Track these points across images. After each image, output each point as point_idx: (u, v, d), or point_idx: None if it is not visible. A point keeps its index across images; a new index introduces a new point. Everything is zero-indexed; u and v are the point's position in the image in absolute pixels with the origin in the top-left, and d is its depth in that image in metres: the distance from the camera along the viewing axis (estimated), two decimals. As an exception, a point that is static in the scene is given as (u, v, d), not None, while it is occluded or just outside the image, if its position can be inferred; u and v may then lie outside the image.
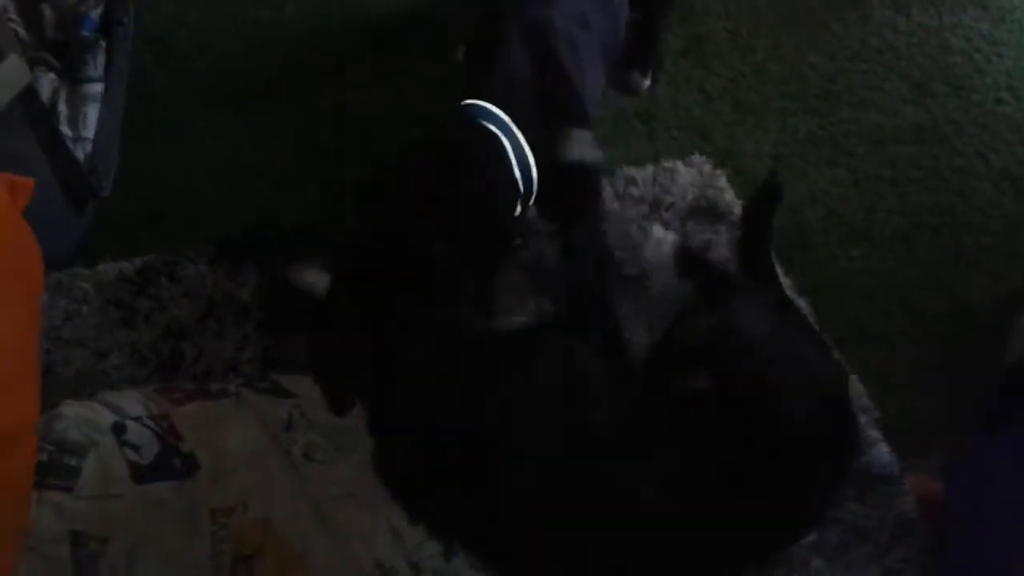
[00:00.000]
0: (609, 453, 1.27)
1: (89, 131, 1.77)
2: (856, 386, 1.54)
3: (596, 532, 1.25)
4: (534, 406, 1.32)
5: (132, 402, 1.38)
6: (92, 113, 1.79)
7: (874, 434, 1.48)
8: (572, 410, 1.32)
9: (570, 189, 1.59)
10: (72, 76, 1.82)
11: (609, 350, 1.51)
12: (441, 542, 1.32)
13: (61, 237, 1.64)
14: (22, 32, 1.71)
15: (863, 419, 1.50)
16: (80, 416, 1.31)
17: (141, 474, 1.29)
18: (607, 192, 1.82)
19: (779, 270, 1.71)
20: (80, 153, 1.72)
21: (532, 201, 1.53)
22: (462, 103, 1.50)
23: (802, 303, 1.65)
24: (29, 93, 1.39)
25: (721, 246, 1.75)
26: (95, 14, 1.90)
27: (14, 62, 1.32)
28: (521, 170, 1.47)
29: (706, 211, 1.80)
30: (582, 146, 1.58)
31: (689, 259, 1.70)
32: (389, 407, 1.35)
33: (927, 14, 2.18)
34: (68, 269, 1.65)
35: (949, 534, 1.39)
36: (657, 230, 1.73)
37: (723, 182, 1.85)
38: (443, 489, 1.30)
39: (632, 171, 1.86)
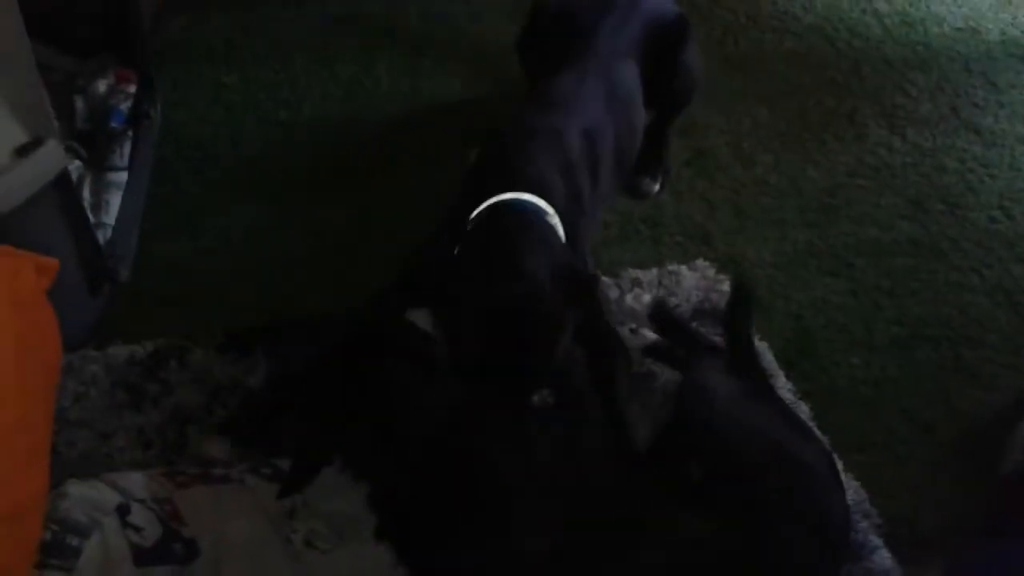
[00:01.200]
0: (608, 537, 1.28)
1: (111, 217, 1.82)
2: (858, 492, 1.55)
3: None
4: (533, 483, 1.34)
5: (136, 484, 1.38)
6: (115, 200, 1.85)
7: (875, 540, 1.48)
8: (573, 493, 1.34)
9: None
10: (98, 164, 1.89)
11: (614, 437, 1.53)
12: None
13: (75, 319, 1.66)
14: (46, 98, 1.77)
15: (864, 524, 1.50)
16: (85, 496, 1.31)
17: (142, 557, 1.29)
18: (614, 293, 1.86)
19: (781, 372, 1.75)
20: (100, 238, 1.76)
21: None
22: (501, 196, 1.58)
23: (803, 408, 1.67)
24: (63, 177, 1.44)
25: (725, 350, 1.78)
26: (124, 107, 1.98)
27: (52, 147, 1.38)
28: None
29: (710, 314, 1.84)
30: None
31: (664, 317, 1.75)
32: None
33: (921, 136, 2.27)
34: (79, 351, 1.67)
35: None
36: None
37: (726, 286, 1.89)
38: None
39: (637, 273, 1.91)
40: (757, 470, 1.31)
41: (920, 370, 1.78)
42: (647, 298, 1.85)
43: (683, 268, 1.93)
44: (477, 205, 1.61)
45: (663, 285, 1.89)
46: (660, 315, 1.73)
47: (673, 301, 1.86)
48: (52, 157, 1.39)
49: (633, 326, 1.77)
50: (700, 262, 1.95)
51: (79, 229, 1.57)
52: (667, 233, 2.03)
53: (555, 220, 1.60)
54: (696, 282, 1.90)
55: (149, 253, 1.87)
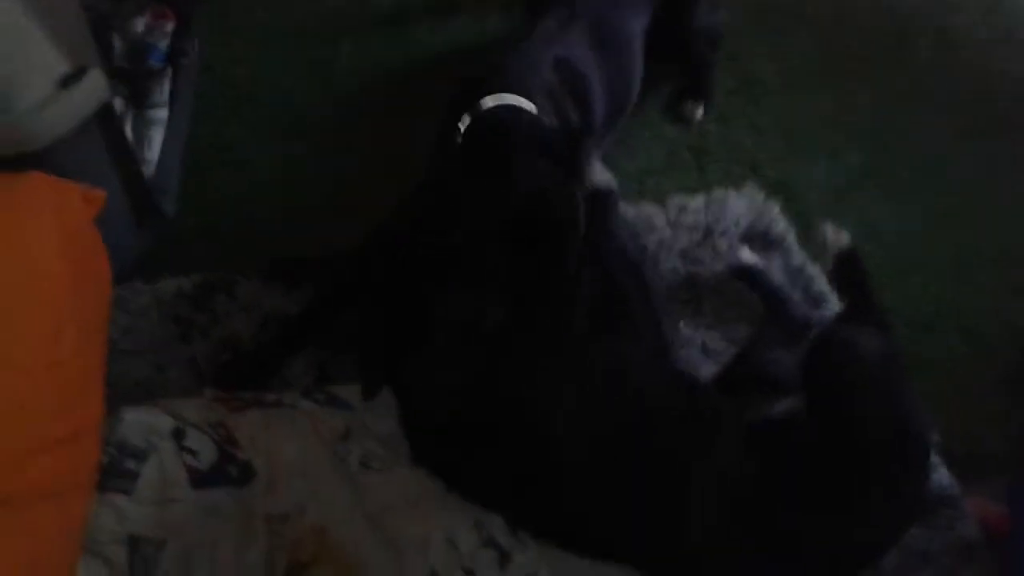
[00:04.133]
0: (662, 447, 1.26)
1: (153, 154, 1.81)
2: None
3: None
4: (578, 397, 1.32)
5: (191, 409, 1.38)
6: (157, 137, 1.84)
7: (934, 459, 1.45)
8: (619, 406, 1.32)
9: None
10: (138, 102, 1.88)
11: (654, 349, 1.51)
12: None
13: (122, 251, 1.65)
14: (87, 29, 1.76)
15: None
16: (141, 421, 1.32)
17: (199, 480, 1.29)
18: (660, 220, 1.83)
19: (834, 296, 1.71)
20: (144, 173, 1.76)
21: None
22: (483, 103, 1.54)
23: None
24: (106, 109, 1.43)
25: (775, 272, 1.75)
26: (162, 45, 1.97)
27: (96, 76, 1.37)
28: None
29: (759, 238, 1.80)
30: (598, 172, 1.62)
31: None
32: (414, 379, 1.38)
33: (975, 58, 2.19)
34: (128, 284, 1.67)
35: (1013, 557, 1.35)
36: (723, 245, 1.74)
37: (775, 211, 1.86)
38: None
39: (684, 199, 1.88)
40: (874, 440, 1.25)
41: (978, 291, 1.74)
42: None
43: (730, 193, 1.89)
44: (459, 118, 1.57)
45: (710, 210, 1.86)
46: (848, 268, 1.58)
47: (721, 226, 1.82)
48: (96, 87, 1.37)
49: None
50: (747, 187, 1.91)
51: (124, 161, 1.56)
52: (714, 160, 1.99)
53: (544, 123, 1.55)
54: (744, 207, 1.86)
55: (192, 189, 1.86)
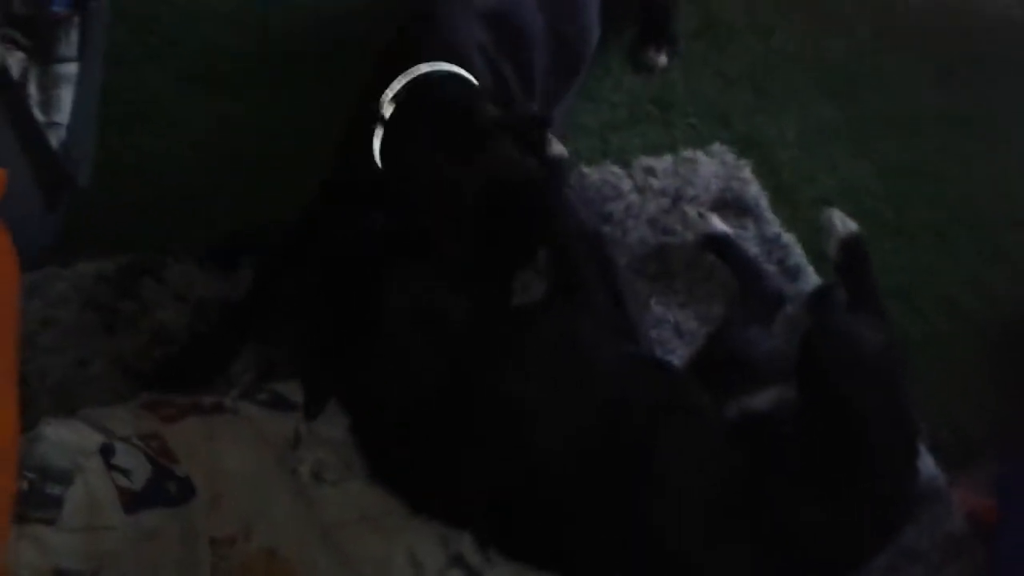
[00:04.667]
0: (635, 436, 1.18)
1: (63, 116, 1.61)
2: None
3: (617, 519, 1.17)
4: (537, 383, 1.22)
5: (120, 420, 1.25)
6: (66, 96, 1.63)
7: (921, 448, 1.39)
8: (581, 387, 1.22)
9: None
10: (43, 56, 1.66)
11: (616, 328, 1.40)
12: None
13: (33, 233, 1.49)
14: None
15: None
16: (63, 438, 1.18)
17: (132, 502, 1.17)
18: (626, 185, 1.71)
19: (809, 266, 1.63)
20: (53, 140, 1.56)
21: None
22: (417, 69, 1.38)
23: (835, 302, 1.56)
24: (2, 74, 1.24)
25: (748, 242, 1.65)
26: (67, -12, 1.74)
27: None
28: None
29: (731, 204, 1.70)
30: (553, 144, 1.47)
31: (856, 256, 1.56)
32: (365, 380, 1.26)
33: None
34: (42, 269, 1.50)
35: (1001, 549, 1.31)
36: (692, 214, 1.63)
37: (747, 173, 1.75)
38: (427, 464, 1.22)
39: (651, 161, 1.76)
40: (872, 437, 1.17)
41: (958, 258, 1.66)
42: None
43: (700, 154, 1.78)
44: (386, 85, 1.40)
45: (679, 174, 1.74)
46: (853, 255, 1.52)
47: (691, 192, 1.71)
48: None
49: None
50: (717, 146, 1.80)
51: (27, 132, 1.38)
52: (679, 114, 1.86)
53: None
54: (715, 169, 1.76)
55: (110, 154, 1.67)
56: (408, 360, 1.24)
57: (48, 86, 1.64)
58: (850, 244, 1.50)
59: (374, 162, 1.40)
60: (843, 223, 1.53)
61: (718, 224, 1.60)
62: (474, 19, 1.53)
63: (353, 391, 1.27)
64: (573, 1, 1.70)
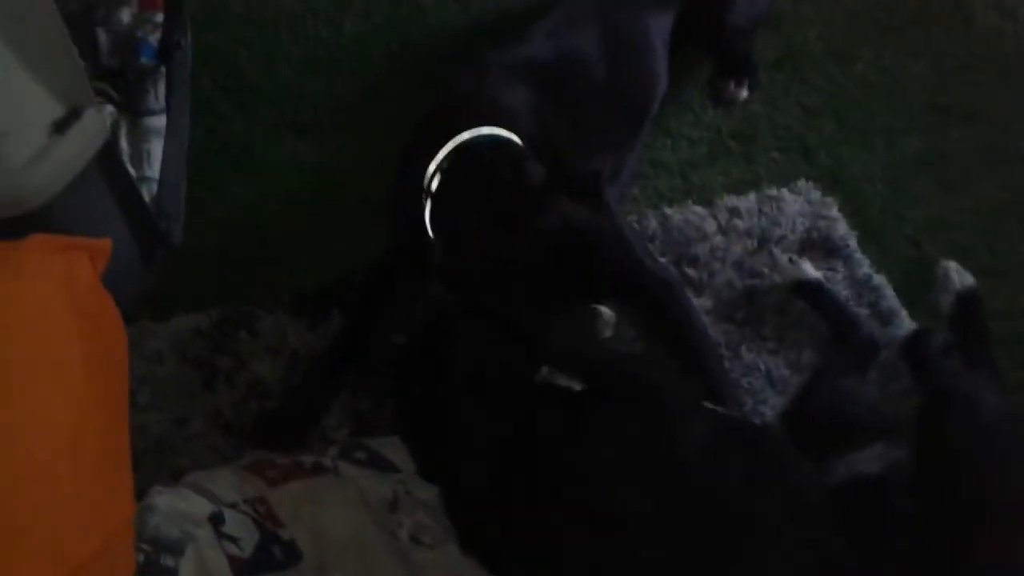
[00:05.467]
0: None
1: (154, 170, 1.64)
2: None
3: None
4: (622, 471, 1.16)
5: (226, 486, 1.26)
6: (156, 149, 1.66)
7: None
8: (668, 475, 1.15)
9: None
10: (133, 109, 1.69)
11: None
12: None
13: (129, 290, 1.52)
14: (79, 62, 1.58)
15: None
16: (174, 508, 1.20)
17: (242, 569, 1.18)
18: (711, 226, 1.69)
19: (903, 309, 1.59)
20: (145, 194, 1.59)
21: None
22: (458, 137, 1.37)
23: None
24: (107, 147, 1.27)
25: (838, 284, 1.62)
26: (153, 39, 1.77)
27: (92, 117, 1.20)
28: None
29: (819, 245, 1.67)
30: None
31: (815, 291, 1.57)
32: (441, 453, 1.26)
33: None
34: (137, 322, 1.53)
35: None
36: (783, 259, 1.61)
37: (835, 211, 1.72)
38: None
39: (734, 200, 1.73)
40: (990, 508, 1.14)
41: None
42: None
43: (784, 192, 1.75)
44: (429, 151, 1.39)
45: (763, 213, 1.72)
46: (969, 310, 1.49)
47: (777, 232, 1.69)
48: (93, 129, 1.21)
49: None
50: (802, 183, 1.77)
51: (128, 198, 1.40)
52: (761, 149, 1.84)
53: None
54: (800, 207, 1.73)
55: (198, 205, 1.70)
56: (474, 432, 1.23)
57: (138, 140, 1.67)
58: (967, 299, 1.47)
59: (426, 232, 1.39)
60: (960, 277, 1.50)
61: (810, 270, 1.58)
62: (524, 76, 1.52)
63: (431, 462, 1.28)
64: (635, 53, 1.68)
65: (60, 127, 1.16)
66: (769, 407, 1.49)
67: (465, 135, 1.37)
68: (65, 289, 1.11)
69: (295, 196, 1.74)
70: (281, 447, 1.40)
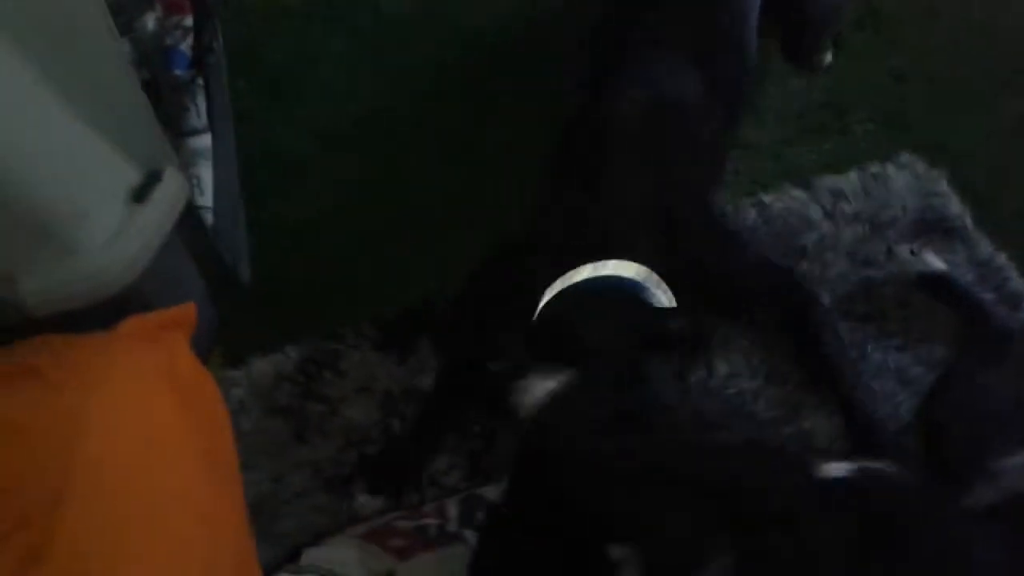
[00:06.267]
0: None
1: (206, 198, 1.47)
2: None
3: None
4: None
5: (353, 564, 1.15)
6: (205, 175, 1.49)
7: None
8: None
9: None
10: (174, 129, 1.52)
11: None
12: None
13: (201, 341, 1.37)
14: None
15: None
16: (306, 599, 1.09)
17: (388, 654, 1.08)
18: (815, 212, 1.56)
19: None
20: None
21: None
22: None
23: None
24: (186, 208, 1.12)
25: (959, 268, 1.51)
26: (184, 46, 1.58)
27: (173, 177, 1.04)
28: None
29: (935, 227, 1.55)
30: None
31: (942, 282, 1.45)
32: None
33: None
34: (215, 372, 1.39)
35: None
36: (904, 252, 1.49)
37: (944, 186, 1.59)
38: None
39: (836, 181, 1.60)
40: None
41: None
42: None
43: (888, 167, 1.62)
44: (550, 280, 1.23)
45: (869, 194, 1.59)
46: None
47: (888, 214, 1.56)
48: (175, 190, 1.05)
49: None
50: (905, 156, 1.63)
51: (202, 250, 1.25)
52: (855, 120, 1.69)
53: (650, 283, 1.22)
54: (907, 183, 1.60)
55: (255, 229, 1.54)
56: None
57: (184, 165, 1.50)
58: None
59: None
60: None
61: (935, 262, 1.46)
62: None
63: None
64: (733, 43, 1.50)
65: (140, 194, 1.01)
66: (904, 410, 1.38)
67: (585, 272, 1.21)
68: (170, 379, 0.98)
69: (357, 215, 1.58)
70: (387, 493, 1.30)
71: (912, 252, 1.47)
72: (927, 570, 1.01)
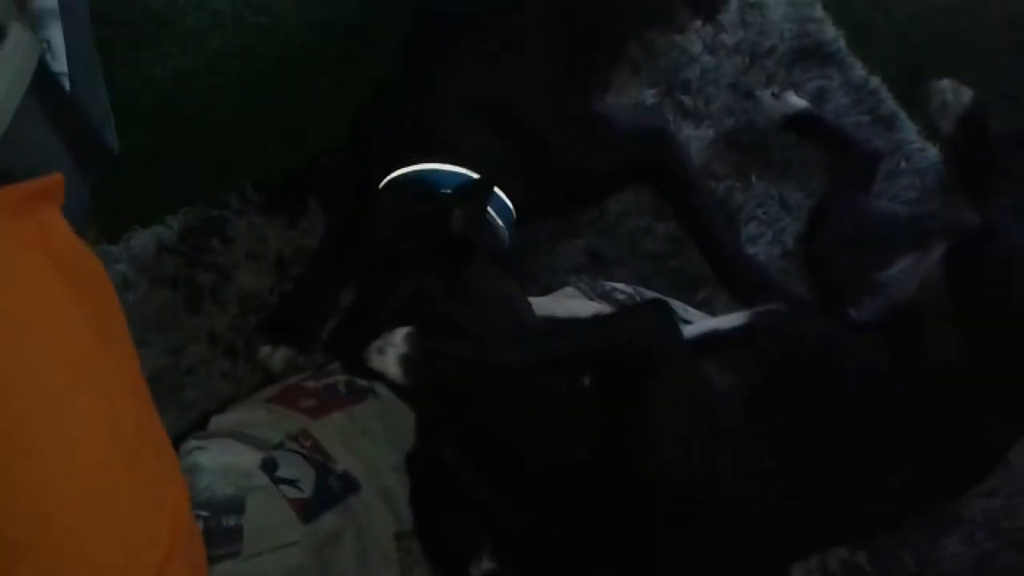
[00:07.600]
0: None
1: (60, 63, 1.35)
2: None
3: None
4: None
5: (264, 426, 1.14)
6: (56, 36, 1.35)
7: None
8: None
9: None
10: (11, -13, 1.37)
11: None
12: None
13: (70, 215, 1.29)
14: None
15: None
16: (221, 463, 1.08)
17: (306, 510, 1.09)
18: (696, 46, 1.56)
19: (903, 114, 1.54)
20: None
21: None
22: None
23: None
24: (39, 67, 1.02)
25: (834, 92, 1.55)
26: None
27: (19, 34, 0.94)
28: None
29: (811, 53, 1.58)
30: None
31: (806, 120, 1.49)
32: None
33: None
34: (91, 247, 1.31)
35: None
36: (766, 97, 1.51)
37: (819, 10, 1.62)
38: None
39: (716, 14, 1.60)
40: None
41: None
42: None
43: (764, -4, 1.62)
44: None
45: (747, 23, 1.60)
46: (971, 127, 1.33)
47: (767, 43, 1.58)
48: (23, 49, 0.96)
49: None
50: (777, -17, 1.64)
51: (61, 113, 1.16)
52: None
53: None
54: (784, 11, 1.61)
55: (118, 93, 1.43)
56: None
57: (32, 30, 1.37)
58: (970, 117, 1.33)
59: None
60: (956, 95, 1.35)
61: (797, 101, 1.48)
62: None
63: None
64: None
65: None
66: (788, 233, 1.44)
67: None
68: (46, 251, 0.92)
69: (229, 68, 1.48)
70: (289, 343, 1.29)
71: (773, 95, 1.50)
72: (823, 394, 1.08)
